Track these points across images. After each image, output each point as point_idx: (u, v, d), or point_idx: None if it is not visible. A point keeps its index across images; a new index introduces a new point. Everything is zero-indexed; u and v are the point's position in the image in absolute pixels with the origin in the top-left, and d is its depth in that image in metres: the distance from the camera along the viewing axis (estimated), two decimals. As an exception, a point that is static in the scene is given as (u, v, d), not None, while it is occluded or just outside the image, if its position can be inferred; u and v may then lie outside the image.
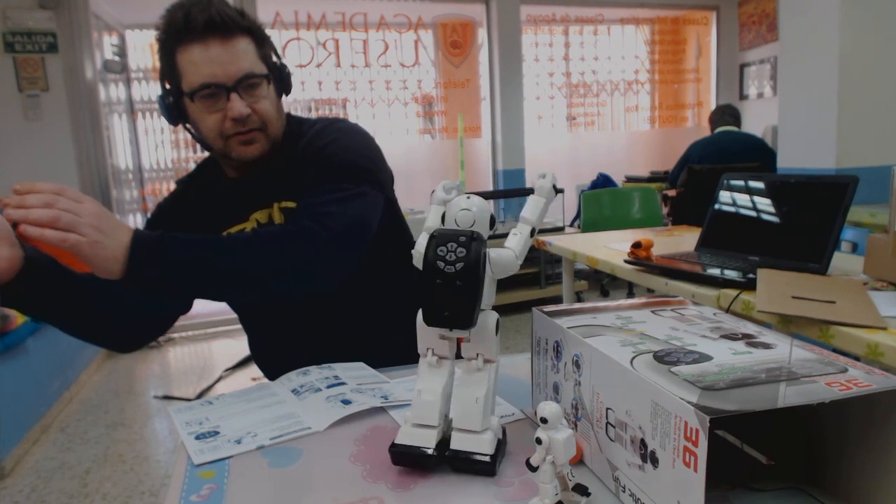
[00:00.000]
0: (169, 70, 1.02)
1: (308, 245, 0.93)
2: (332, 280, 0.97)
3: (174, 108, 1.04)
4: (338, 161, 1.04)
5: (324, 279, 0.96)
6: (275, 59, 1.09)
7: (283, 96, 1.12)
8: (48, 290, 0.90)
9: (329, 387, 0.89)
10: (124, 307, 1.00)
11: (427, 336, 0.67)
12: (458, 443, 0.66)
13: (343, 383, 0.91)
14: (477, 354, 0.67)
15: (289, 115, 1.16)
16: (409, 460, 0.67)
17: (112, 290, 0.92)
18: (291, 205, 1.08)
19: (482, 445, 0.65)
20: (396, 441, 0.67)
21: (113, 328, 1.02)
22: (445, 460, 0.66)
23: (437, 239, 0.63)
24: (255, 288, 0.93)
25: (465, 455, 0.65)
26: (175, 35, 0.99)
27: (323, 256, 0.94)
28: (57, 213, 0.77)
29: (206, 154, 1.15)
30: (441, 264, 0.62)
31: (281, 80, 1.09)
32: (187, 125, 1.08)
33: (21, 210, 0.76)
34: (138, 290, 0.88)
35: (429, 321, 0.64)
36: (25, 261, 0.85)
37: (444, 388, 0.67)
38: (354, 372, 0.96)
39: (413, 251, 0.67)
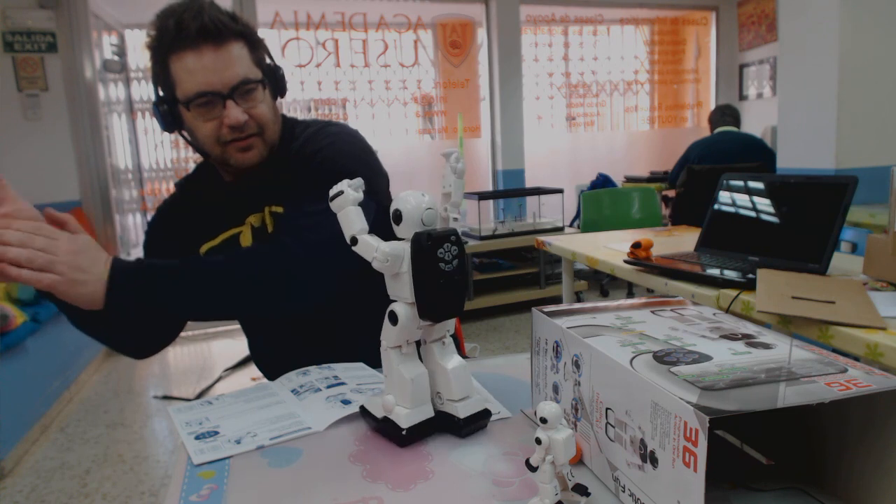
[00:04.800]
0: (162, 77, 1.01)
1: (282, 263, 0.93)
2: (316, 295, 0.97)
3: (169, 116, 1.03)
4: (329, 168, 1.03)
5: (305, 295, 0.95)
6: (268, 60, 1.08)
7: (279, 98, 1.12)
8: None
9: (329, 387, 0.89)
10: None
11: (408, 330, 0.72)
12: (466, 410, 0.74)
13: (343, 383, 0.91)
14: (445, 332, 0.76)
15: (283, 117, 1.15)
16: (420, 434, 0.73)
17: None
18: (281, 210, 1.08)
19: (481, 403, 0.76)
20: (404, 426, 0.71)
21: (127, 339, 1.04)
22: (459, 427, 0.74)
23: (433, 242, 0.68)
24: (235, 309, 0.96)
25: (474, 417, 0.75)
26: (167, 43, 0.98)
27: (299, 274, 0.93)
28: (31, 254, 0.79)
29: None
30: (442, 265, 0.68)
31: (276, 82, 1.09)
32: (183, 132, 1.07)
33: (2, 254, 0.78)
34: (121, 318, 0.89)
35: (435, 317, 0.70)
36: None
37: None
38: (354, 372, 0.96)
39: (378, 253, 0.69)
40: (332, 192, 0.71)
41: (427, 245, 0.68)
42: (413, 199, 0.70)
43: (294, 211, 1.00)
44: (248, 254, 0.96)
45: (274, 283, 0.93)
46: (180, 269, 0.91)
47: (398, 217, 0.70)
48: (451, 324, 0.76)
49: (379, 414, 0.75)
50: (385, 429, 0.74)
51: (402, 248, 0.70)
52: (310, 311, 1.00)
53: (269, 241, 1.00)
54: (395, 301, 0.72)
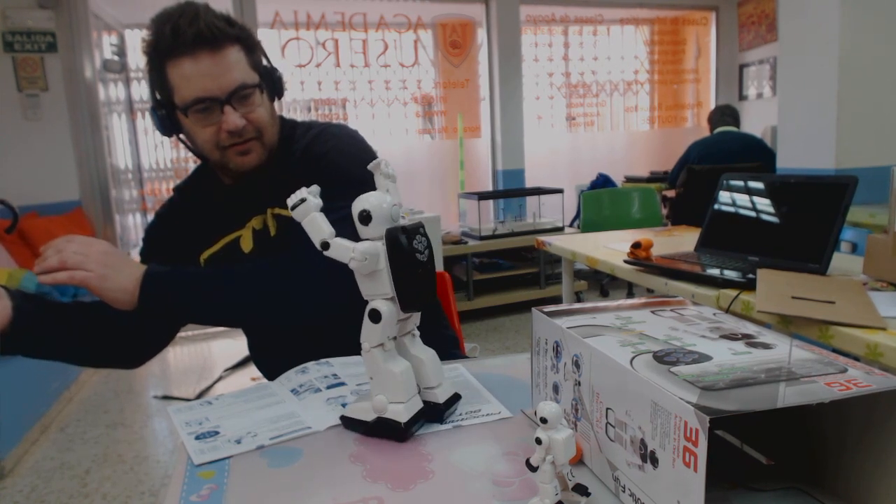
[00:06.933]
0: (160, 83, 1.01)
1: (306, 274, 0.95)
2: (336, 302, 0.98)
3: (167, 121, 1.03)
4: (334, 173, 1.03)
5: (328, 302, 0.97)
6: (265, 62, 1.08)
7: (277, 99, 1.11)
8: (42, 332, 0.95)
9: (329, 387, 0.89)
10: (124, 330, 1.03)
11: (389, 326, 0.73)
12: (443, 395, 0.78)
13: (342, 383, 0.91)
14: (413, 325, 0.79)
15: (281, 119, 1.15)
16: (414, 426, 0.75)
17: (107, 316, 0.96)
18: (286, 212, 1.08)
19: (452, 388, 0.81)
20: (403, 420, 0.73)
21: (115, 350, 1.06)
22: (441, 411, 0.78)
23: (407, 234, 0.71)
24: (260, 317, 0.99)
25: (450, 401, 0.79)
26: (164, 49, 0.97)
27: (320, 283, 0.95)
28: (64, 256, 0.88)
29: None
30: (417, 255, 0.72)
31: (273, 84, 1.08)
32: (181, 136, 1.07)
33: (41, 264, 0.88)
34: (152, 319, 0.97)
35: (417, 307, 0.73)
36: (15, 311, 0.91)
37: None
38: (353, 369, 0.96)
39: (356, 253, 0.70)
40: (292, 201, 0.72)
41: (404, 238, 0.71)
42: (377, 198, 0.72)
43: None
44: (274, 263, 0.98)
45: (298, 292, 0.95)
46: (210, 276, 0.97)
47: (367, 217, 0.71)
48: (417, 317, 0.79)
49: (369, 417, 0.75)
50: (380, 429, 0.74)
51: (377, 246, 0.71)
52: (330, 317, 1.01)
53: (286, 251, 1.00)
54: (372, 300, 0.73)
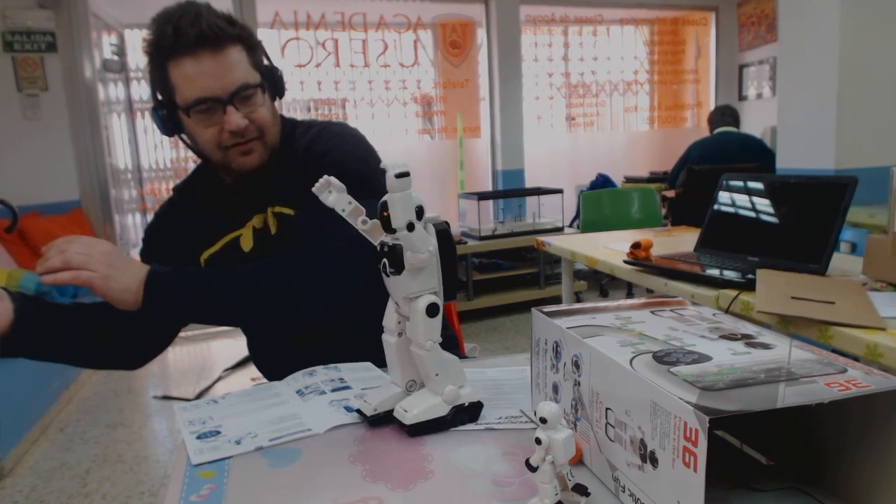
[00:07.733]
0: (161, 83, 1.01)
1: (310, 273, 0.95)
2: (338, 301, 0.98)
3: (168, 120, 1.03)
4: (337, 172, 1.03)
5: (330, 302, 0.98)
6: (266, 62, 1.08)
7: (278, 98, 1.11)
8: (43, 334, 0.96)
9: (334, 390, 0.89)
10: (124, 331, 1.03)
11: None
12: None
13: (347, 387, 0.91)
14: None
15: (282, 118, 1.15)
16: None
17: (108, 317, 0.96)
18: (287, 210, 1.08)
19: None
20: (479, 398, 0.77)
21: (116, 352, 1.06)
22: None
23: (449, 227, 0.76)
24: (262, 317, 0.99)
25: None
26: (165, 49, 0.97)
27: (324, 282, 0.96)
28: (68, 256, 0.88)
29: None
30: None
31: (274, 83, 1.08)
32: (183, 136, 1.07)
33: (43, 264, 0.88)
34: (155, 319, 0.97)
35: (453, 297, 0.77)
36: (16, 313, 0.91)
37: None
38: (360, 374, 0.96)
39: (432, 247, 0.72)
40: (396, 170, 0.69)
41: (450, 233, 0.76)
42: (414, 195, 0.72)
43: (311, 221, 1.00)
44: (277, 262, 0.98)
45: (299, 294, 0.95)
46: (213, 276, 0.98)
47: (421, 213, 0.71)
48: None
49: (444, 412, 0.76)
50: (457, 418, 0.76)
51: (434, 242, 0.74)
52: (332, 317, 1.01)
53: (289, 252, 1.01)
54: (418, 296, 0.73)
